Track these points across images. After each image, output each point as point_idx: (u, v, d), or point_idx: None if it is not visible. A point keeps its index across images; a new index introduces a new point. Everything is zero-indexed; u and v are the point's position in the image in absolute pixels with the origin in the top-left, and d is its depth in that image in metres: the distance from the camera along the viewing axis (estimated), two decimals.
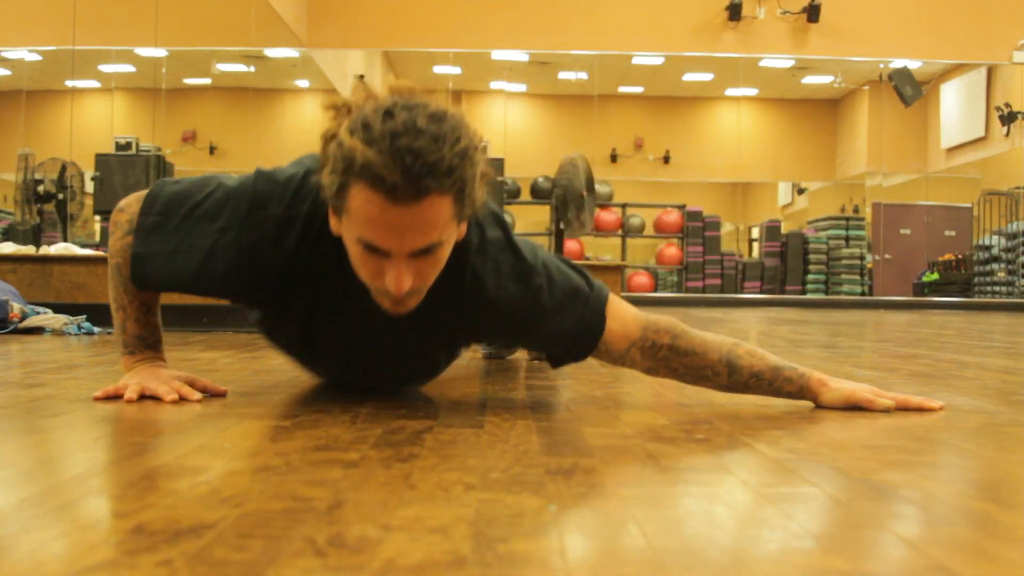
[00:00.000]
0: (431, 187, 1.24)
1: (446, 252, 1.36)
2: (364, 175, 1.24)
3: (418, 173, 1.22)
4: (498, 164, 8.39)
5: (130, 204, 1.58)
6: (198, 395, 1.60)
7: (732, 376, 1.59)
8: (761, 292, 12.95)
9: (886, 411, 1.57)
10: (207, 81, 12.43)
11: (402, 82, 1.34)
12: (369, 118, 1.25)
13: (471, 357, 2.65)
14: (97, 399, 1.57)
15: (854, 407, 1.58)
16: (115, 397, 1.57)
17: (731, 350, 1.59)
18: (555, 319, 1.55)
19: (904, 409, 1.60)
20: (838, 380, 1.62)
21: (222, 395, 1.66)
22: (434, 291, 1.42)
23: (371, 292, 1.40)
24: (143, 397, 1.57)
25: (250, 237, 1.46)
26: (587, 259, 9.50)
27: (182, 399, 1.57)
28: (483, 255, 1.51)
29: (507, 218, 1.60)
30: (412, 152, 1.22)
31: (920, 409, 1.60)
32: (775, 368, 1.60)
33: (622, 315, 1.59)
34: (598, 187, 9.37)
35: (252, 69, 12.43)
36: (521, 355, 2.70)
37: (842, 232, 13.19)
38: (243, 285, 1.52)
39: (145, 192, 1.57)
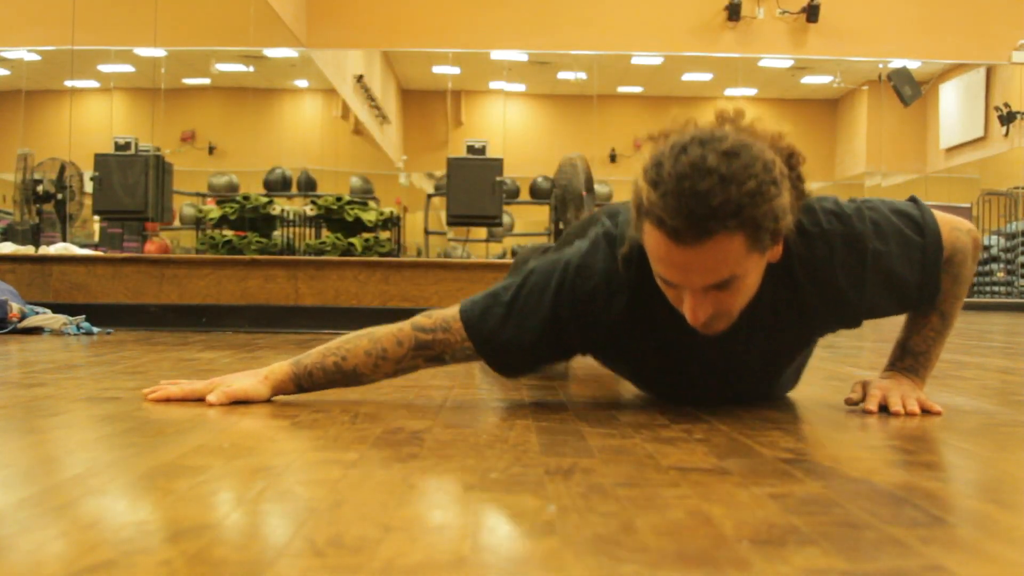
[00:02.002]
0: (715, 230, 1.24)
1: (751, 282, 1.36)
2: (650, 216, 1.27)
3: (700, 216, 1.23)
4: (497, 164, 8.39)
5: (444, 319, 1.57)
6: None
7: (923, 315, 1.62)
8: None
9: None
10: (206, 81, 12.43)
11: (733, 108, 1.36)
12: (664, 156, 1.28)
13: None
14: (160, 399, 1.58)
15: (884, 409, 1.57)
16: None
17: (946, 307, 1.60)
18: (896, 277, 1.51)
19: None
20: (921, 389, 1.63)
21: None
22: (769, 301, 1.44)
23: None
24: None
25: (583, 290, 1.50)
26: None
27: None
28: (810, 250, 1.47)
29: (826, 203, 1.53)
30: (695, 195, 1.23)
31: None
32: (930, 344, 1.63)
33: (950, 233, 1.56)
34: (597, 187, 9.36)
35: (251, 69, 12.43)
36: None
37: None
38: (583, 340, 1.57)
39: (458, 315, 1.56)
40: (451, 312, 1.57)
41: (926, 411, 1.55)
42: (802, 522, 0.86)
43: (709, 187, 1.23)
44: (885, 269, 1.48)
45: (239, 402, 1.55)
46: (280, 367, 1.60)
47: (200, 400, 1.55)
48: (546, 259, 1.57)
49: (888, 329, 1.66)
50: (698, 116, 1.39)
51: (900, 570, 0.72)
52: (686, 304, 1.35)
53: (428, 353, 1.56)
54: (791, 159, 1.36)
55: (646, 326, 1.53)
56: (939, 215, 1.57)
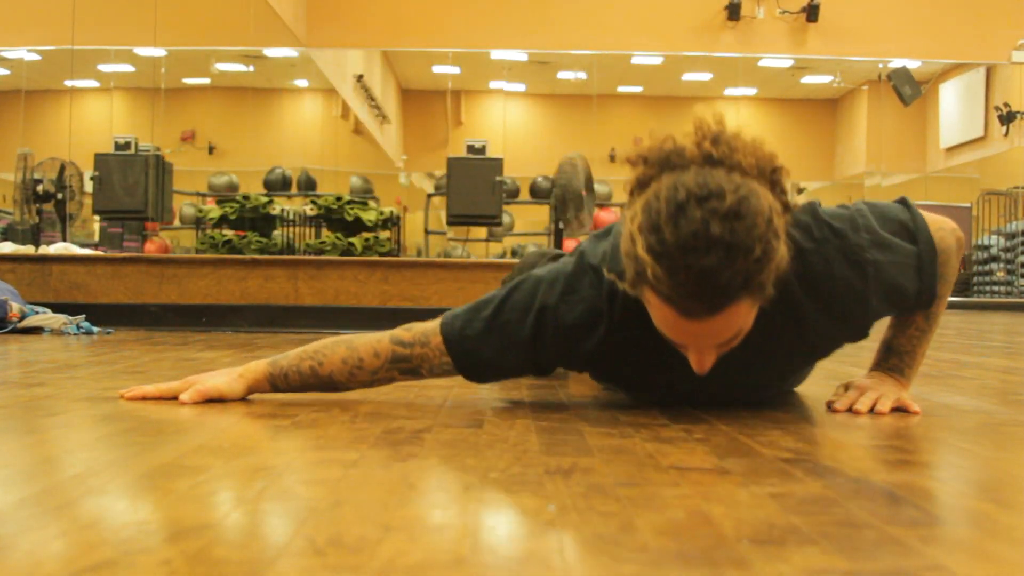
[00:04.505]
0: (725, 305, 1.22)
1: (750, 324, 1.31)
2: (656, 291, 1.23)
3: (711, 294, 1.20)
4: (497, 164, 8.38)
5: (424, 334, 1.55)
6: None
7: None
8: None
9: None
10: (206, 81, 12.43)
11: (712, 119, 1.31)
12: (661, 217, 1.21)
13: None
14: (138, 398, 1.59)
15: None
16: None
17: (932, 306, 1.59)
18: (895, 287, 1.48)
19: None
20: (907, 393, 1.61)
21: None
22: (764, 324, 1.36)
23: None
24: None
25: (565, 320, 1.48)
26: None
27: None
28: (807, 266, 1.42)
29: (805, 203, 1.51)
30: (704, 273, 1.18)
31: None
32: (915, 343, 1.61)
33: (938, 235, 1.54)
34: (597, 187, 9.36)
35: (251, 69, 12.43)
36: None
37: None
38: (560, 362, 1.56)
39: (438, 330, 1.55)
40: (431, 326, 1.55)
41: (901, 410, 1.55)
42: (802, 522, 0.86)
43: (717, 262, 1.18)
44: (885, 280, 1.46)
45: (213, 400, 1.54)
46: (256, 365, 1.60)
47: (174, 399, 1.55)
48: (531, 277, 1.54)
49: (885, 329, 1.66)
50: (674, 127, 1.36)
51: (900, 570, 0.72)
52: (692, 358, 1.33)
53: (404, 366, 1.55)
54: (775, 174, 1.32)
55: (627, 352, 1.51)
56: (926, 216, 1.55)
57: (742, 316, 1.26)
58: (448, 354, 1.53)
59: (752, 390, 1.63)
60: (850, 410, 1.56)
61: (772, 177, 1.32)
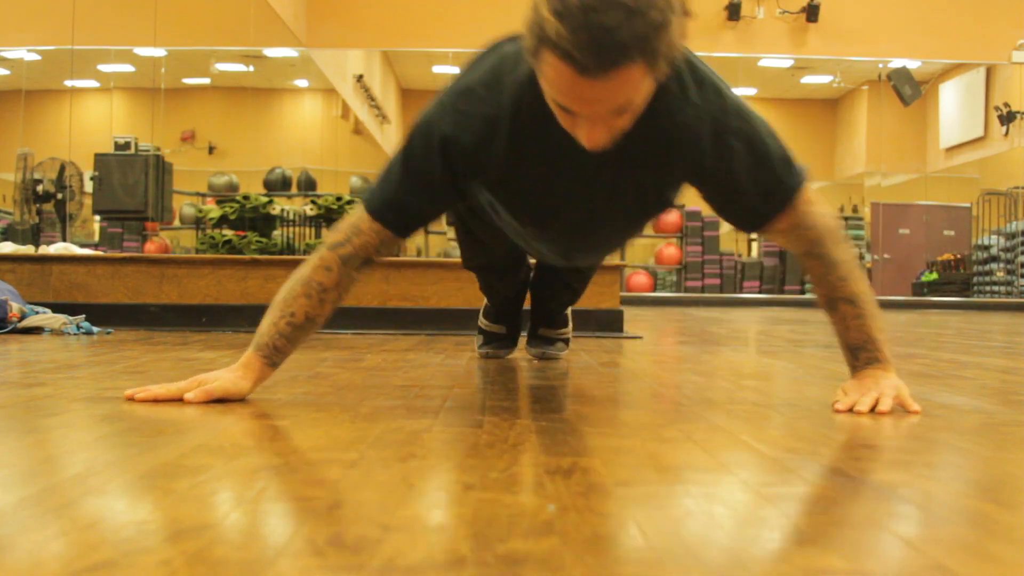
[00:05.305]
0: (621, 62, 1.26)
1: (641, 103, 1.38)
2: (554, 48, 1.27)
3: (608, 49, 1.25)
4: None
5: (352, 225, 1.63)
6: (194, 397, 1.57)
7: (832, 312, 1.66)
8: (760, 292, 12.95)
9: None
10: (206, 81, 12.44)
11: None
12: None
13: (470, 356, 2.64)
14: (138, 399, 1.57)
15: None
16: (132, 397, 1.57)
17: (845, 292, 1.63)
18: (751, 177, 1.56)
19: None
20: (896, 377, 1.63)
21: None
22: (637, 135, 1.47)
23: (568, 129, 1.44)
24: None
25: (467, 141, 1.55)
26: None
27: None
28: (685, 105, 1.53)
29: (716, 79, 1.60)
30: (603, 29, 1.24)
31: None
32: (864, 330, 1.65)
33: (808, 201, 1.61)
34: None
35: (251, 69, 12.44)
36: (521, 354, 2.70)
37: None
38: (482, 177, 1.62)
39: (365, 214, 1.62)
40: (356, 214, 1.62)
41: (892, 410, 1.54)
42: (802, 522, 0.86)
43: (616, 20, 1.24)
44: (747, 142, 1.55)
45: (218, 400, 1.54)
46: (250, 359, 1.60)
47: (180, 400, 1.54)
48: (419, 122, 1.60)
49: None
50: None
51: (900, 570, 0.72)
52: (583, 130, 1.38)
53: (356, 262, 1.61)
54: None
55: (530, 156, 1.58)
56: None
57: (634, 84, 1.31)
58: (380, 224, 1.60)
59: (599, 231, 1.78)
60: (851, 410, 1.56)
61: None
